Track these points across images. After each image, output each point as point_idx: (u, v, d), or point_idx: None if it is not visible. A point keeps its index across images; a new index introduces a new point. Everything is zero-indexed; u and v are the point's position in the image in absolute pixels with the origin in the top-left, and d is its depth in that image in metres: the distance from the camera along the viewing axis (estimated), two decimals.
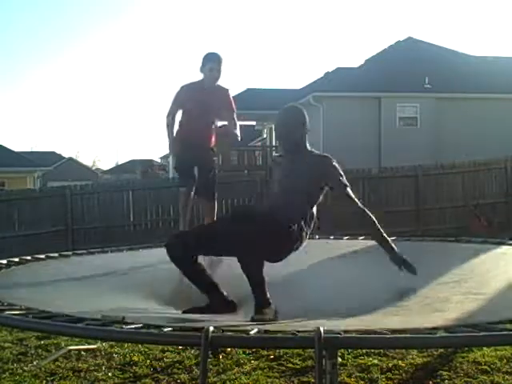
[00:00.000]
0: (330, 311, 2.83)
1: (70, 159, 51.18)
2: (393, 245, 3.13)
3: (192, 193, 4.78)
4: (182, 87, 4.79)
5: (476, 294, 2.97)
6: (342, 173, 3.19)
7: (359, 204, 3.15)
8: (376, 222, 3.12)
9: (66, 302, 3.17)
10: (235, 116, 4.83)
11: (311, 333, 1.98)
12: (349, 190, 3.16)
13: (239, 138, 4.79)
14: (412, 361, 3.98)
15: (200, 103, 4.66)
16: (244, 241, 2.75)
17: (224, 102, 4.77)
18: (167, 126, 4.89)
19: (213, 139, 4.89)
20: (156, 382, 3.81)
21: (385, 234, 3.12)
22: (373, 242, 4.85)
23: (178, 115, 4.90)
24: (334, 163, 3.20)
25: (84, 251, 5.23)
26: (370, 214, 3.12)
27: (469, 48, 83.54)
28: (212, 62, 4.62)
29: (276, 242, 2.95)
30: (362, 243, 4.81)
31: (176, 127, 4.90)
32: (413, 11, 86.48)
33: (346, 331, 2.11)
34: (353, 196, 3.15)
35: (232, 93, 4.97)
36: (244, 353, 4.20)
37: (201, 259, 3.09)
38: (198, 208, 6.57)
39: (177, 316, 2.88)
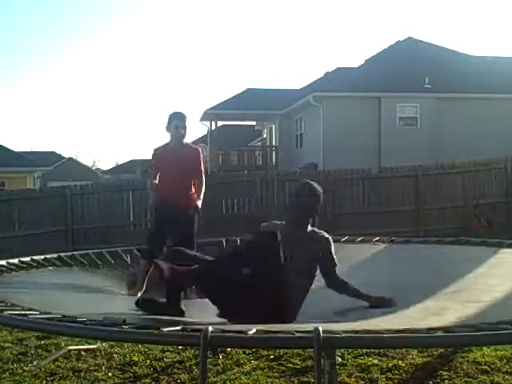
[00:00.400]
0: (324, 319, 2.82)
1: (70, 159, 51.16)
2: (366, 296, 3.28)
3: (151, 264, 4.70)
4: (154, 150, 4.88)
5: (476, 302, 2.95)
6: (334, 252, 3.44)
7: (339, 277, 3.41)
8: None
9: (66, 303, 3.18)
10: (203, 178, 4.84)
11: (310, 333, 1.99)
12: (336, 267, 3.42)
13: (198, 210, 4.73)
14: (412, 361, 3.98)
15: (171, 164, 4.66)
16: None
17: (193, 162, 4.76)
18: (151, 191, 4.98)
19: (193, 196, 4.79)
20: (156, 382, 3.81)
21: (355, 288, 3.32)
22: (372, 247, 4.81)
23: None
24: (331, 244, 3.43)
25: (84, 252, 5.24)
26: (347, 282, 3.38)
27: (469, 48, 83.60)
28: (177, 120, 4.66)
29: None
30: (361, 247, 4.79)
31: None
32: (413, 11, 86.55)
33: (345, 331, 2.11)
34: (337, 272, 3.41)
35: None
36: (244, 353, 4.20)
37: None
38: None
39: (177, 317, 2.89)
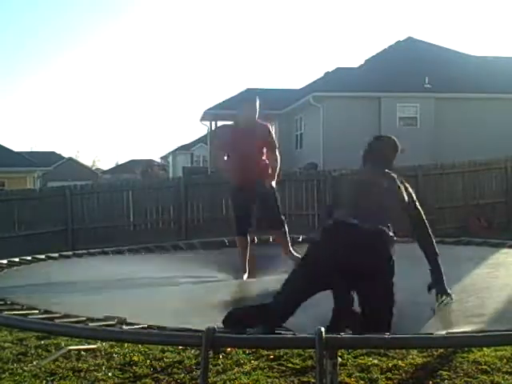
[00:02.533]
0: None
1: (70, 159, 51.21)
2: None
3: (248, 237, 4.85)
4: (221, 128, 4.95)
5: (478, 316, 2.92)
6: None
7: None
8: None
9: (67, 302, 3.17)
10: (277, 152, 4.89)
11: (312, 333, 1.99)
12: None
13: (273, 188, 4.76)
14: (412, 361, 3.97)
15: (241, 140, 4.70)
16: None
17: (265, 137, 4.81)
18: (216, 158, 5.05)
19: (266, 170, 4.82)
20: (156, 382, 3.81)
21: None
22: None
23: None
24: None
25: (84, 251, 5.24)
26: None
27: (469, 48, 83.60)
28: (249, 102, 4.83)
29: None
30: None
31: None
32: (413, 11, 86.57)
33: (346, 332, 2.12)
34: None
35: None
36: (244, 353, 4.20)
37: None
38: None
39: (179, 317, 2.88)
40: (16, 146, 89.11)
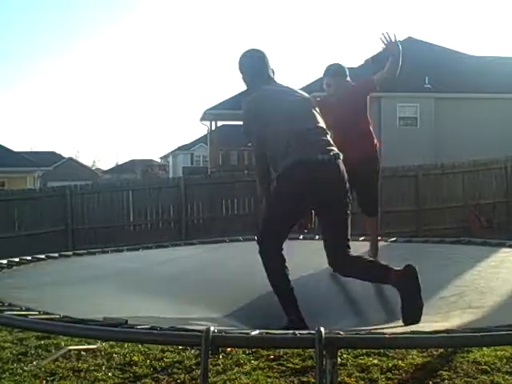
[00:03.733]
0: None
1: (70, 159, 51.16)
2: None
3: None
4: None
5: (476, 308, 2.92)
6: None
7: None
8: None
9: (68, 302, 3.18)
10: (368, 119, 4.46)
11: (312, 333, 1.99)
12: None
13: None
14: (412, 361, 3.97)
15: (336, 114, 4.19)
16: None
17: (359, 93, 4.39)
18: None
19: (372, 143, 4.43)
20: (156, 382, 3.81)
21: None
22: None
23: None
24: None
25: (84, 251, 5.25)
26: None
27: (469, 48, 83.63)
28: (325, 77, 4.34)
29: None
30: (362, 247, 4.79)
31: None
32: (413, 11, 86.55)
33: (346, 331, 2.12)
34: None
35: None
36: (244, 353, 4.20)
37: None
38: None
39: (179, 316, 2.88)
40: (16, 146, 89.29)
